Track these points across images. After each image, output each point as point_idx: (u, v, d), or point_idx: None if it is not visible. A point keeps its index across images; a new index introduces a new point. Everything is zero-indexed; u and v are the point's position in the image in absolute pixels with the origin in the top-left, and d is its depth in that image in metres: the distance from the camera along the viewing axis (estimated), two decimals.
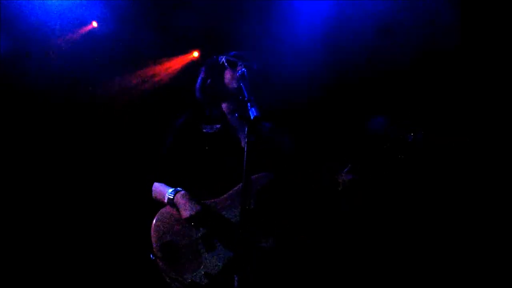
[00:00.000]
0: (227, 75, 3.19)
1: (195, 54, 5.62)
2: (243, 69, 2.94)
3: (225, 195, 2.99)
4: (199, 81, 3.32)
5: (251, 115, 2.53)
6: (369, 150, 2.92)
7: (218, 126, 3.18)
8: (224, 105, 3.27)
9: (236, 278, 2.24)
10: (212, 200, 2.99)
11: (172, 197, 2.94)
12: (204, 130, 3.18)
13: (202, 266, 2.85)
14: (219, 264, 2.86)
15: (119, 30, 5.30)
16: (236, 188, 2.98)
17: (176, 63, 5.60)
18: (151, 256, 2.88)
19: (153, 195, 3.11)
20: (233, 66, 3.18)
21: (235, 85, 3.09)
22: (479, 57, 4.27)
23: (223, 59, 3.22)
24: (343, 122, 4.69)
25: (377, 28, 4.62)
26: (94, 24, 5.34)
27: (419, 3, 4.46)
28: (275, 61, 4.67)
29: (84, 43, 5.32)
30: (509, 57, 4.17)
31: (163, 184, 3.07)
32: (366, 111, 4.40)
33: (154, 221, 2.95)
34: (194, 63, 5.55)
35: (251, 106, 2.57)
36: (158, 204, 3.04)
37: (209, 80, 3.26)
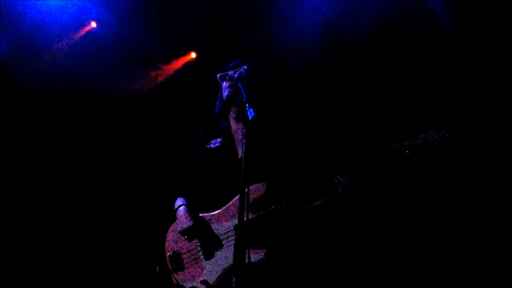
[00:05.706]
0: (222, 87, 3.23)
1: (193, 55, 5.61)
2: (241, 69, 2.91)
3: (222, 208, 3.02)
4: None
5: (249, 116, 2.51)
6: (374, 151, 2.74)
7: (220, 140, 3.22)
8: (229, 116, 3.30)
9: (234, 280, 2.23)
10: (210, 213, 3.04)
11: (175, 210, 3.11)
12: (207, 146, 3.24)
13: (202, 274, 2.95)
14: (217, 271, 2.92)
15: (117, 31, 5.29)
16: (233, 201, 3.00)
17: (174, 65, 5.59)
18: (157, 268, 3.06)
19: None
20: (224, 79, 3.21)
21: (227, 91, 3.14)
22: (478, 54, 4.24)
23: (218, 76, 3.23)
24: (345, 121, 4.61)
25: (376, 26, 4.60)
26: (93, 24, 5.33)
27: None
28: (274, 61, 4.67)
29: (83, 43, 5.31)
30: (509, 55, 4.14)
31: (181, 198, 3.18)
32: (368, 110, 4.38)
33: (167, 233, 3.13)
34: (192, 64, 5.55)
35: (249, 107, 2.54)
36: None
37: (218, 98, 3.31)
